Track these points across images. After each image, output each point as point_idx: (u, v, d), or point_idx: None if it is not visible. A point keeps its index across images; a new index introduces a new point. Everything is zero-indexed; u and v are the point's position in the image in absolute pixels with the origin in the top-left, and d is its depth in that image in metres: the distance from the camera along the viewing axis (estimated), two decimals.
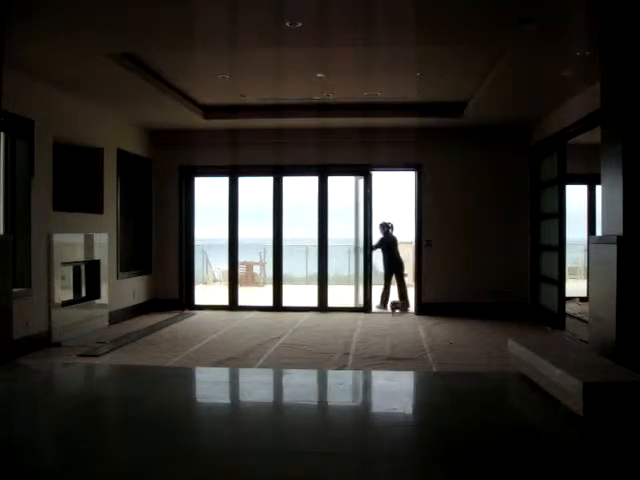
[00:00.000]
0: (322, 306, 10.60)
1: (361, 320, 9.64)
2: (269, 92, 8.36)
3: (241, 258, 11.90)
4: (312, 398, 4.78)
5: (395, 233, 10.98)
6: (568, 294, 8.94)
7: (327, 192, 10.67)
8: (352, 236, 10.90)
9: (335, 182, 10.79)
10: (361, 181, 10.61)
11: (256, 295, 12.49)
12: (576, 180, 10.29)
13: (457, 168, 10.10)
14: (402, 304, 10.55)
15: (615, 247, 4.42)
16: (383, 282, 10.94)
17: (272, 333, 8.22)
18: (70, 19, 5.28)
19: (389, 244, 10.87)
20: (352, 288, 11.01)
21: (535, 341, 5.82)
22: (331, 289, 10.84)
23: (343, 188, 10.95)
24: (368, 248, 10.67)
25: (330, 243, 10.80)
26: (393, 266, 10.88)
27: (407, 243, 14.44)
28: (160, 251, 10.66)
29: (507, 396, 4.64)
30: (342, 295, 11.26)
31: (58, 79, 7.12)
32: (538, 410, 4.12)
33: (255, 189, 11.55)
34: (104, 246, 8.82)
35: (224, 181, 10.87)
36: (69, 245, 7.97)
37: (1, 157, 6.80)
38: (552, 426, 3.76)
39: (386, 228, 10.86)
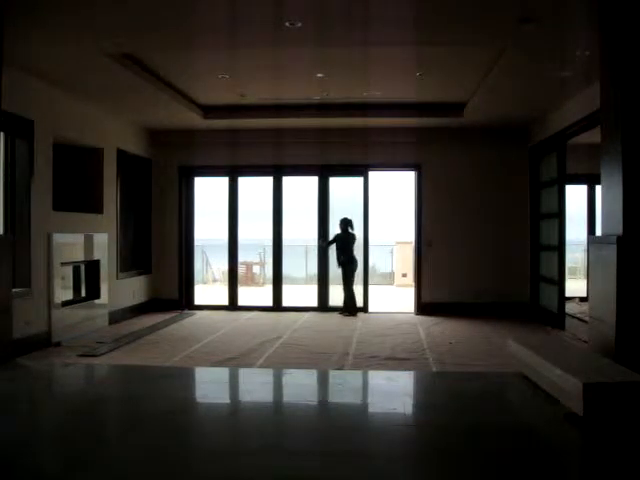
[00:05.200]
0: (322, 306, 10.60)
1: (361, 320, 9.64)
2: (269, 92, 8.36)
3: (241, 258, 11.92)
4: (312, 398, 4.77)
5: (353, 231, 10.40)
6: (568, 294, 8.94)
7: (327, 192, 10.68)
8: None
9: (334, 182, 10.79)
10: (361, 181, 10.60)
11: (256, 295, 12.49)
12: (576, 180, 10.29)
13: (457, 168, 10.10)
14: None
15: (615, 247, 4.41)
16: (344, 285, 10.30)
17: (272, 333, 8.22)
18: (70, 19, 5.28)
19: (347, 241, 10.36)
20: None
21: (535, 341, 5.82)
22: (331, 289, 10.83)
23: (343, 188, 10.95)
24: (366, 248, 10.62)
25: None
26: (353, 265, 10.36)
27: (407, 243, 14.50)
28: (160, 251, 10.66)
29: (507, 396, 4.64)
30: (342, 295, 11.24)
31: (58, 79, 7.12)
32: (538, 410, 4.11)
33: (255, 189, 11.56)
34: (104, 246, 8.82)
35: (224, 181, 10.88)
36: (69, 245, 7.97)
37: (1, 157, 6.80)
38: (552, 426, 3.75)
39: (344, 225, 10.33)
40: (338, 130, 10.03)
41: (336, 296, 10.69)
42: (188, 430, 3.73)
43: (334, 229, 10.57)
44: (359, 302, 10.48)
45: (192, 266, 11.18)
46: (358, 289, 10.54)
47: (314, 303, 10.67)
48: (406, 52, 6.42)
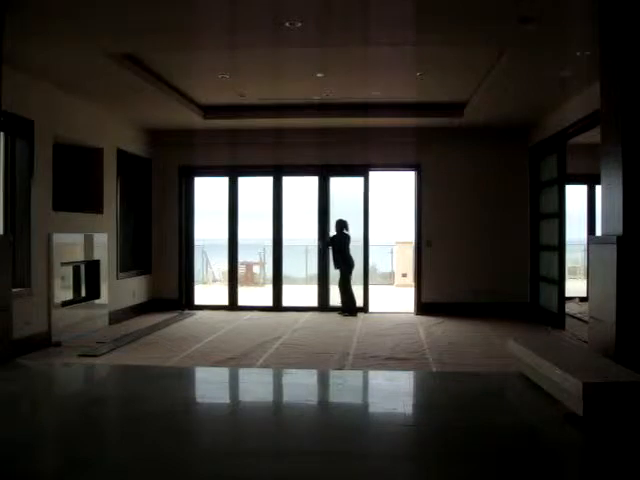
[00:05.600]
0: (322, 306, 10.60)
1: (361, 320, 9.64)
2: (269, 92, 8.36)
3: (241, 258, 11.91)
4: (312, 398, 4.78)
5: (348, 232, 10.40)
6: (568, 294, 8.94)
7: (327, 192, 10.68)
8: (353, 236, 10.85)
9: (334, 182, 10.79)
10: (361, 181, 10.60)
11: (256, 295, 12.49)
12: (576, 180, 10.29)
13: (457, 168, 10.10)
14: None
15: (615, 247, 4.42)
16: (342, 286, 10.29)
17: (272, 333, 8.22)
18: (70, 19, 5.28)
19: (343, 242, 10.36)
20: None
21: (535, 341, 5.82)
22: (331, 289, 10.83)
23: (342, 188, 10.95)
24: (366, 248, 10.61)
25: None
26: (349, 266, 10.36)
27: (407, 243, 14.51)
28: (160, 251, 10.65)
29: (507, 396, 4.64)
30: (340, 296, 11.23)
31: (58, 79, 7.12)
32: (538, 410, 4.12)
33: (255, 189, 11.56)
34: (104, 246, 8.82)
35: (224, 181, 10.88)
36: (69, 245, 7.97)
37: (1, 157, 6.80)
38: (552, 426, 3.76)
39: (340, 226, 10.34)
40: (338, 130, 10.02)
41: (336, 296, 10.69)
42: (188, 430, 3.73)
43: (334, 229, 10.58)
44: (359, 302, 10.45)
45: (192, 266, 11.17)
46: (358, 289, 10.49)
47: (314, 303, 10.66)
48: (406, 52, 6.41)
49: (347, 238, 10.40)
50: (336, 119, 9.36)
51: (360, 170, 10.53)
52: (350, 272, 10.35)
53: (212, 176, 11.29)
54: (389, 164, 10.62)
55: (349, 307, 10.20)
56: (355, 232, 10.53)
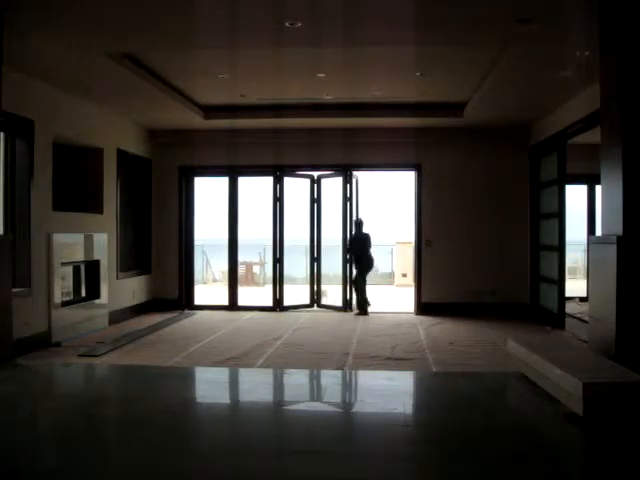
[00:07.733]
0: (322, 306, 10.62)
1: (360, 320, 9.64)
2: (269, 92, 8.36)
3: (241, 258, 11.91)
4: (312, 398, 4.78)
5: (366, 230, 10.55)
6: (568, 294, 8.94)
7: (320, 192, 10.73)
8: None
9: (335, 182, 10.80)
10: (360, 181, 10.65)
11: (256, 295, 12.49)
12: (576, 180, 10.29)
13: (457, 168, 10.10)
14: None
15: (615, 247, 4.42)
16: (358, 285, 10.37)
17: (272, 333, 8.22)
18: (70, 19, 5.28)
19: (359, 241, 10.46)
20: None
21: (535, 341, 5.82)
22: (331, 289, 10.84)
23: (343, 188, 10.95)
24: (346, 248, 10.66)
25: (331, 243, 10.81)
26: (367, 265, 10.53)
27: (407, 243, 14.52)
28: (160, 251, 10.65)
29: (507, 396, 4.64)
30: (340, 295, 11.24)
31: (58, 79, 7.12)
32: (538, 410, 4.12)
33: (255, 189, 11.57)
34: (104, 246, 8.81)
35: (224, 181, 10.88)
36: (69, 245, 7.97)
37: (1, 157, 6.80)
38: (552, 426, 3.76)
39: (358, 225, 10.49)
40: (338, 130, 10.02)
41: (336, 296, 10.71)
42: (187, 430, 3.73)
43: (332, 229, 10.61)
44: (342, 302, 10.52)
45: (192, 266, 11.17)
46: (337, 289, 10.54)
47: (314, 303, 10.68)
48: (406, 52, 6.41)
49: (366, 237, 10.47)
50: (336, 119, 9.36)
51: (360, 170, 10.56)
52: (367, 271, 10.46)
53: (212, 176, 11.30)
54: (389, 164, 10.64)
55: (363, 306, 10.23)
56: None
